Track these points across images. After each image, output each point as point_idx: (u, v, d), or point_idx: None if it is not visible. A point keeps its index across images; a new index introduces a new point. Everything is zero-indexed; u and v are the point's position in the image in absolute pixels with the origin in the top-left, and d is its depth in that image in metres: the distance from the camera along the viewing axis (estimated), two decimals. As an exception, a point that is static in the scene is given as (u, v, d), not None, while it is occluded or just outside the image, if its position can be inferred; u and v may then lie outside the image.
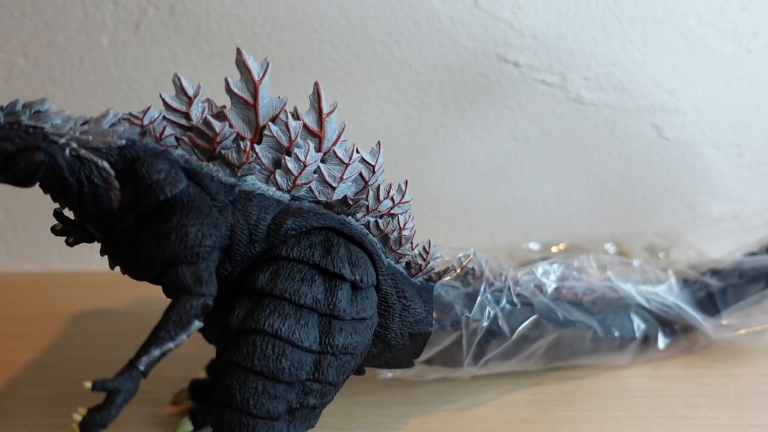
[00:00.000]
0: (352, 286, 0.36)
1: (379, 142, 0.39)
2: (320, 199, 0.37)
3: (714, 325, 0.52)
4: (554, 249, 0.65)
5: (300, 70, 0.67)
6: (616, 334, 0.52)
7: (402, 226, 0.40)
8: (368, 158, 0.38)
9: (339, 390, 0.37)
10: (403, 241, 0.40)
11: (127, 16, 0.65)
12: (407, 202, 0.40)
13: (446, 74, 0.67)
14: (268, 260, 0.35)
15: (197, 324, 0.31)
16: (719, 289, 0.55)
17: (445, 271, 0.45)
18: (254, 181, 0.35)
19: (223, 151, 0.33)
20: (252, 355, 0.32)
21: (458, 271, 0.46)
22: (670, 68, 0.65)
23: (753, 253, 0.55)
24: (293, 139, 0.35)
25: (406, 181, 0.40)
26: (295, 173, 0.35)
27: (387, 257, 0.41)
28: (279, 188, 0.36)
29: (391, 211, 0.40)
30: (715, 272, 0.56)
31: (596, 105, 0.67)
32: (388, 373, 0.49)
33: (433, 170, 0.71)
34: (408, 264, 0.43)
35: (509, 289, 0.48)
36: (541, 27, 0.64)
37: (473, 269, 0.46)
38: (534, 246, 0.66)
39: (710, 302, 0.54)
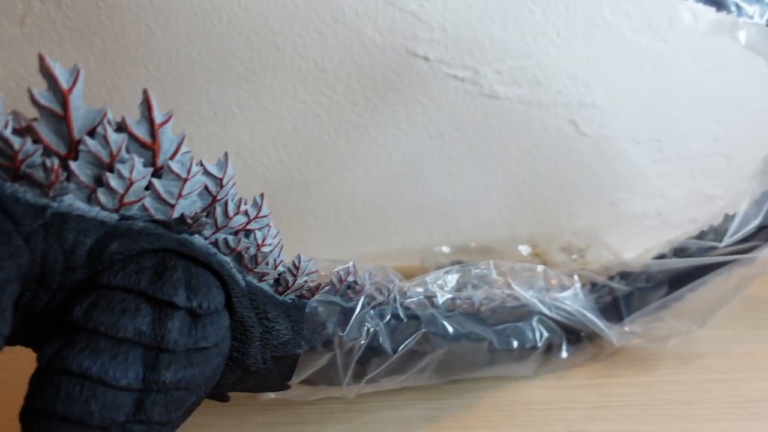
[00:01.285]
0: (189, 313, 0.33)
1: (226, 153, 0.35)
2: (158, 217, 0.34)
3: (618, 332, 0.50)
4: (464, 252, 0.62)
5: (199, 65, 0.63)
6: (515, 344, 0.50)
7: (260, 242, 0.37)
8: (214, 171, 0.35)
9: (177, 426, 0.34)
10: (260, 259, 0.37)
11: (10, 10, 0.61)
12: (265, 216, 0.37)
13: (354, 70, 0.63)
14: (88, 289, 0.31)
15: None
16: (624, 294, 0.53)
17: (317, 288, 0.41)
18: (72, 201, 0.31)
19: (28, 170, 0.30)
20: (55, 399, 0.29)
21: (338, 286, 0.43)
22: (586, 61, 0.63)
23: (662, 255, 0.53)
24: (115, 153, 0.31)
25: (262, 195, 0.37)
26: (120, 191, 0.32)
27: (246, 276, 0.38)
28: (104, 208, 0.32)
29: (248, 227, 0.37)
30: (623, 276, 0.53)
31: (511, 100, 0.64)
32: (271, 395, 0.46)
33: (345, 170, 0.68)
34: (277, 281, 0.40)
35: (395, 301, 0.46)
36: (450, 19, 0.61)
37: (354, 282, 0.43)
38: (445, 249, 0.63)
39: (615, 308, 0.52)
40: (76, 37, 0.62)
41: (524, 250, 0.63)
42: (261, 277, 0.38)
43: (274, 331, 0.38)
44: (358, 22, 0.62)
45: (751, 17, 0.45)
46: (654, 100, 0.64)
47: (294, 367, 0.40)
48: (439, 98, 0.64)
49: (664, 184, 0.68)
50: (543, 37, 0.62)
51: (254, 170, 0.68)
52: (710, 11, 0.44)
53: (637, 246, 0.70)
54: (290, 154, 0.67)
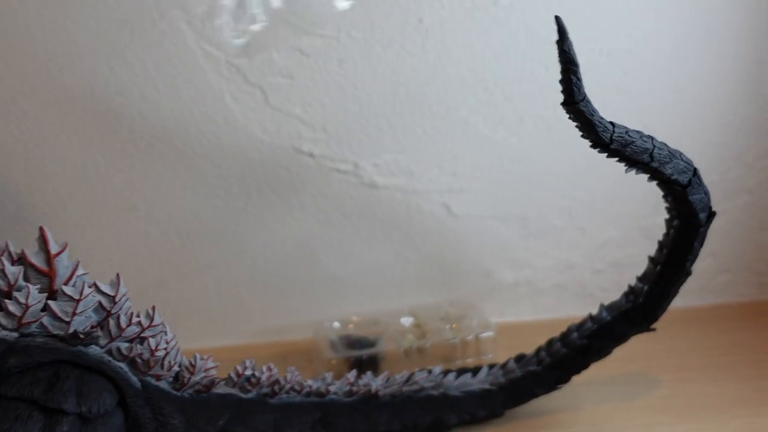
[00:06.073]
0: (79, 417, 0.38)
1: (118, 275, 0.41)
2: (55, 332, 0.39)
3: None
4: (350, 326, 0.70)
5: (104, 167, 0.69)
6: None
7: (153, 348, 0.43)
8: (107, 290, 0.41)
9: None
10: (153, 363, 0.43)
11: None
12: (157, 325, 0.43)
13: (247, 167, 0.71)
14: None
15: None
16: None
17: (213, 383, 0.47)
18: None
19: (-68, 303, 0.35)
20: None
21: (236, 379, 0.48)
22: (451, 154, 0.72)
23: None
24: (12, 283, 0.37)
25: (154, 307, 0.43)
26: (18, 314, 0.37)
27: (144, 377, 0.43)
28: (4, 328, 0.38)
29: (142, 335, 0.42)
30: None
31: (389, 189, 0.72)
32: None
33: (244, 254, 0.74)
34: (175, 378, 0.45)
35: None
36: (330, 121, 0.70)
37: (252, 375, 0.49)
38: (336, 324, 0.70)
39: None
40: (-15, 146, 0.67)
41: (406, 321, 0.70)
42: (157, 377, 0.44)
43: (169, 425, 0.44)
44: (248, 125, 0.69)
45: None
46: (515, 184, 0.74)
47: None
48: (325, 189, 0.72)
49: (530, 255, 0.77)
50: (412, 134, 0.71)
51: (160, 257, 0.73)
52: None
53: (513, 311, 0.79)
54: (192, 242, 0.73)
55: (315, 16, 0.66)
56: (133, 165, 0.69)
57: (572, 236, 0.77)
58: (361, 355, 0.65)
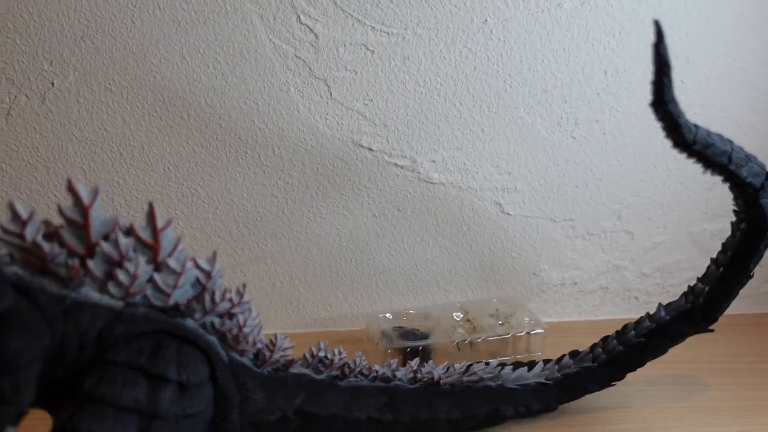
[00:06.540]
0: (179, 385, 0.40)
1: (214, 252, 0.43)
2: (156, 304, 0.41)
3: None
4: (404, 318, 0.71)
5: (169, 153, 0.71)
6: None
7: (241, 324, 0.44)
8: (204, 266, 0.42)
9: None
10: (241, 339, 0.45)
11: (-4, 104, 0.68)
12: (246, 302, 0.45)
13: (307, 158, 0.72)
14: (97, 364, 0.38)
15: (10, 430, 0.34)
16: None
17: (291, 362, 0.49)
18: (88, 292, 0.39)
19: (54, 268, 0.37)
20: None
21: (310, 360, 0.50)
22: (507, 152, 0.73)
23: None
24: (124, 253, 0.39)
25: (244, 285, 0.45)
26: (127, 283, 0.39)
27: (229, 352, 0.45)
28: (112, 297, 0.39)
29: (231, 311, 0.44)
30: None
31: (444, 185, 0.74)
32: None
33: (299, 245, 0.76)
34: (256, 356, 0.47)
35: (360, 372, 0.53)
36: (390, 116, 0.71)
37: (325, 357, 0.51)
38: (388, 315, 0.72)
39: None
40: (58, 128, 0.69)
41: (458, 316, 0.72)
42: (242, 353, 0.46)
43: (251, 400, 0.45)
44: (311, 118, 0.71)
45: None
46: (566, 186, 0.75)
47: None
48: (382, 183, 0.74)
49: (577, 256, 0.78)
50: (470, 132, 0.72)
51: (217, 245, 0.75)
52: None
53: (557, 311, 0.80)
54: (250, 231, 0.75)
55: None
56: (196, 152, 0.71)
57: (620, 240, 0.78)
58: (417, 346, 0.67)
